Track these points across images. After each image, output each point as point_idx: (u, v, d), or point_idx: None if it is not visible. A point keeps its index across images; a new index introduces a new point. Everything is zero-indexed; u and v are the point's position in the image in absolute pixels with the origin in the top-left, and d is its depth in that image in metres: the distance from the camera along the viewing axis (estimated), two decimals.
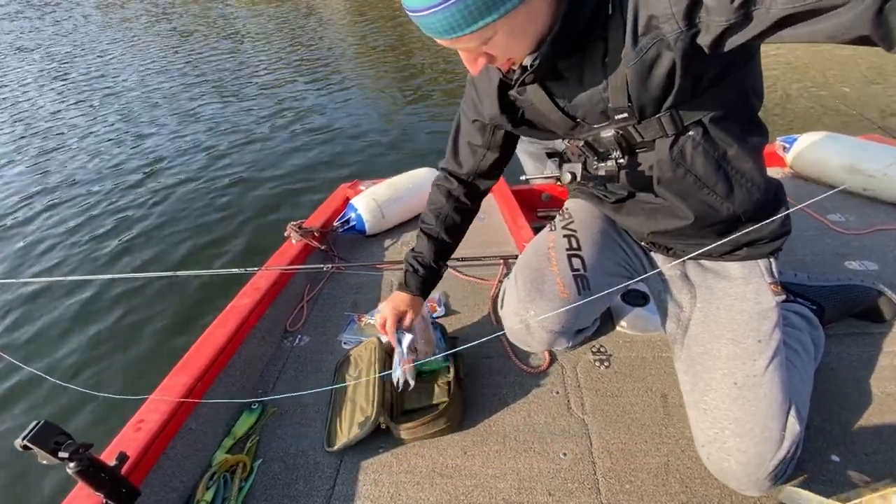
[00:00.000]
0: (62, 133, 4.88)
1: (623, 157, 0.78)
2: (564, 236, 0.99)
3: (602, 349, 1.19)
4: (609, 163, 0.80)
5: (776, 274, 0.88)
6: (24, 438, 0.65)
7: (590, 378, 1.12)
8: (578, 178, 0.85)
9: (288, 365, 1.28)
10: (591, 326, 1.03)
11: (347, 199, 1.84)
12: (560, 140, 0.91)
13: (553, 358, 1.18)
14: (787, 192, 1.51)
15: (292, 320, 1.42)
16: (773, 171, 1.82)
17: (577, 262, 0.94)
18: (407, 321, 1.04)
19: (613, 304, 1.24)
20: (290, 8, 10.86)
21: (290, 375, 1.25)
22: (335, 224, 1.71)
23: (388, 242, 1.75)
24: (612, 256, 0.99)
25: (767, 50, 4.55)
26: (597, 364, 1.15)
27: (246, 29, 8.85)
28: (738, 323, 0.85)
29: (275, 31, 8.58)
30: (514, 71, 0.73)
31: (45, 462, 0.68)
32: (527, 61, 0.71)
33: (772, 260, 0.89)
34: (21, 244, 3.01)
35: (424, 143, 3.57)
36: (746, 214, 0.81)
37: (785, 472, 0.80)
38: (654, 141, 0.75)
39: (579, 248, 0.96)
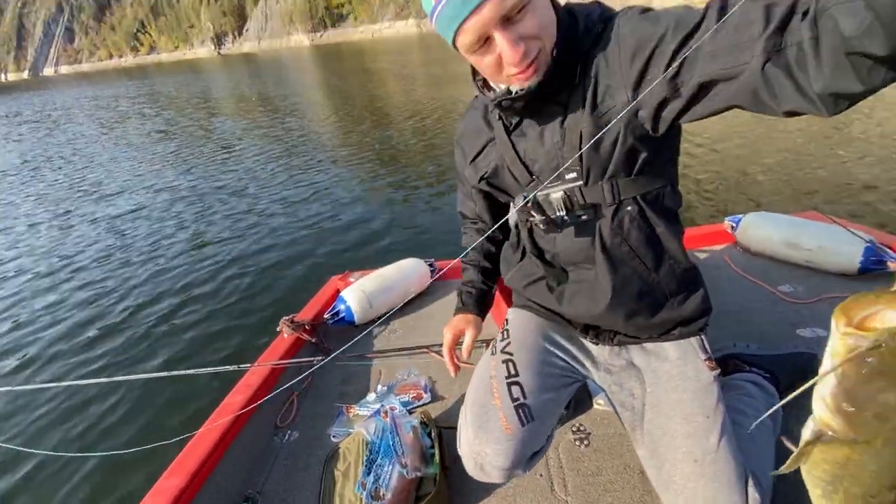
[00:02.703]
0: (71, 231, 5.04)
1: (567, 216, 0.89)
2: (503, 361, 1.01)
3: (581, 428, 1.25)
4: (556, 215, 0.89)
5: (708, 350, 0.96)
6: None
7: (571, 458, 1.17)
8: (529, 205, 0.91)
9: (278, 462, 1.31)
10: (547, 444, 1.04)
11: (338, 290, 1.95)
12: (513, 211, 1.03)
13: None
14: (738, 266, 1.67)
15: (282, 416, 1.46)
16: (723, 248, 2.00)
17: (516, 391, 0.96)
18: (468, 340, 1.09)
19: (589, 382, 1.32)
20: (279, 118, 11.68)
21: (279, 473, 1.27)
22: (325, 316, 1.80)
23: (376, 331, 1.83)
24: (551, 372, 1.02)
25: (724, 131, 5.04)
26: (577, 443, 1.21)
27: (238, 135, 9.45)
28: (685, 402, 0.91)
29: (265, 137, 9.17)
30: (515, 94, 0.79)
31: None
32: (518, 86, 0.79)
33: (702, 337, 0.97)
34: (8, 348, 3.02)
35: (411, 234, 3.78)
36: (670, 288, 0.91)
37: None
38: (596, 207, 0.87)
39: (517, 374, 0.99)
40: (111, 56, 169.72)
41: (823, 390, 0.42)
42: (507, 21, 0.70)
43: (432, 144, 6.59)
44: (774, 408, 0.50)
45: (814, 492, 0.49)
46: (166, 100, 18.88)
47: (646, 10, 0.77)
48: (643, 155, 0.81)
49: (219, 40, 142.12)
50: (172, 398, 2.25)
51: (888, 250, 1.60)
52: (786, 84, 0.55)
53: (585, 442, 1.21)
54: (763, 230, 1.89)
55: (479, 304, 1.16)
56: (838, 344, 0.40)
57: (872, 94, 0.51)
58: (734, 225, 1.99)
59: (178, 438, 1.22)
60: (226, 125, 10.86)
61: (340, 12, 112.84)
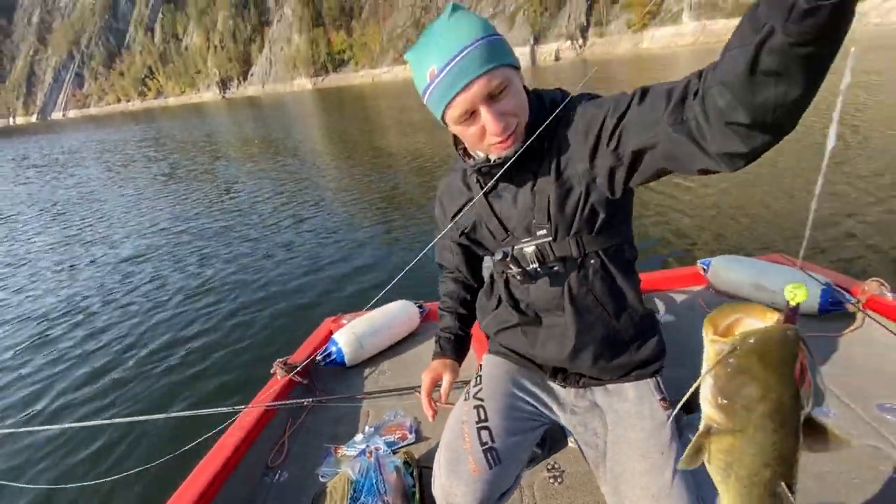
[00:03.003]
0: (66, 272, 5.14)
1: (540, 268, 1.01)
2: (475, 407, 1.10)
3: (556, 466, 1.32)
4: (530, 267, 1.01)
5: (663, 391, 1.06)
6: None
7: (545, 495, 1.24)
8: (509, 260, 1.02)
9: (268, 501, 1.36)
10: (515, 484, 1.12)
11: (331, 332, 2.03)
12: (489, 263, 1.15)
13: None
14: (710, 307, 1.79)
15: (273, 456, 1.52)
16: (697, 289, 2.11)
17: (485, 435, 1.03)
18: (445, 384, 1.14)
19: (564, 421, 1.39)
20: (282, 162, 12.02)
21: None
22: (318, 358, 1.88)
23: (367, 372, 1.91)
24: (519, 416, 1.10)
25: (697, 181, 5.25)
26: (551, 481, 1.27)
27: (241, 178, 9.72)
28: (642, 440, 0.99)
29: (266, 180, 9.44)
30: (494, 161, 0.93)
31: None
32: (496, 154, 0.92)
33: (658, 378, 1.07)
34: (6, 389, 3.06)
35: (403, 277, 3.91)
36: (629, 333, 1.02)
37: None
38: (565, 260, 0.99)
39: (486, 419, 1.06)
40: (119, 100, 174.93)
41: (705, 390, 0.53)
42: (491, 98, 0.85)
43: (426, 188, 6.80)
44: (675, 409, 0.60)
45: (716, 479, 0.59)
46: (171, 143, 19.45)
47: (594, 97, 0.95)
48: (602, 215, 0.95)
49: (224, 84, 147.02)
50: (169, 438, 2.29)
51: (844, 292, 1.72)
52: (692, 149, 0.69)
53: (559, 479, 1.28)
54: (732, 273, 2.01)
55: (456, 349, 1.24)
56: (709, 350, 0.51)
57: (761, 153, 0.64)
58: (705, 268, 2.11)
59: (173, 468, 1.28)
60: (228, 169, 11.18)
61: (342, 58, 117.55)
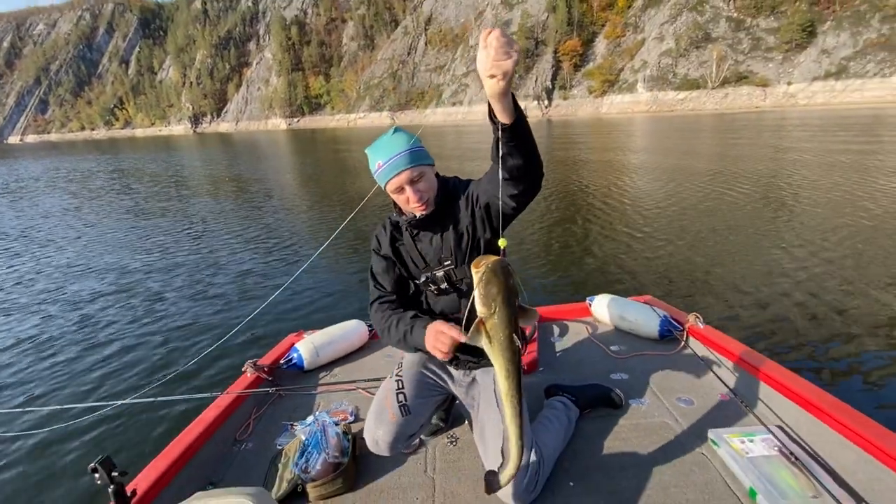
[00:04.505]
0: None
1: (449, 286, 1.56)
2: (396, 380, 1.67)
3: (453, 435, 1.83)
4: (443, 286, 1.56)
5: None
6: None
7: (442, 453, 1.74)
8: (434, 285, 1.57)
9: (236, 461, 1.80)
10: (419, 431, 1.64)
11: (293, 343, 2.51)
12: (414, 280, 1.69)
13: (422, 443, 1.80)
14: (590, 332, 2.43)
15: (241, 432, 1.96)
16: (585, 319, 2.73)
17: (401, 398, 1.59)
18: (453, 331, 1.35)
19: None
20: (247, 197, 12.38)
21: (237, 468, 1.76)
22: (281, 362, 2.35)
23: (321, 375, 2.38)
24: (425, 386, 1.67)
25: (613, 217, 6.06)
26: (449, 444, 1.78)
27: (211, 213, 10.04)
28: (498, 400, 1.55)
29: (233, 214, 9.80)
30: (416, 218, 1.51)
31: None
32: (418, 214, 1.50)
33: None
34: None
35: (357, 300, 4.45)
36: None
37: (535, 488, 1.43)
38: (463, 280, 1.55)
39: (403, 389, 1.62)
40: (83, 128, 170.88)
41: (476, 298, 1.08)
42: (412, 182, 1.45)
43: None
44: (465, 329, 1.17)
45: (486, 348, 1.11)
46: (137, 176, 19.45)
47: (472, 181, 1.56)
48: (483, 250, 1.54)
49: (196, 119, 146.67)
50: (161, 416, 2.76)
51: (674, 322, 2.36)
52: (504, 197, 1.27)
53: (455, 443, 1.79)
54: (607, 308, 2.64)
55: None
56: (474, 276, 1.07)
57: (531, 193, 1.26)
58: (591, 303, 2.75)
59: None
60: (196, 203, 11.46)
61: (319, 101, 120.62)
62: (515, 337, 1.09)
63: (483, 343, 1.12)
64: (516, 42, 0.94)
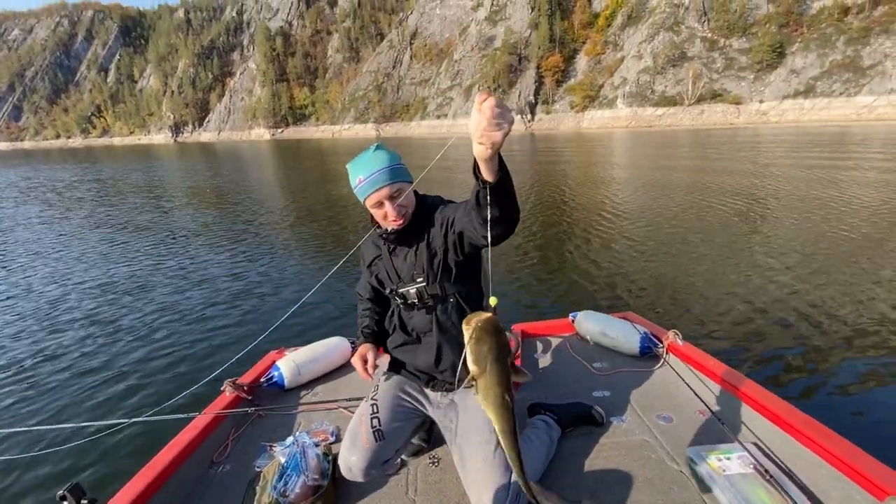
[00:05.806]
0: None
1: (419, 303, 1.57)
2: (371, 405, 1.65)
3: (435, 455, 1.82)
4: (414, 301, 1.57)
5: None
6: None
7: (424, 474, 1.73)
8: (407, 301, 1.60)
9: (213, 485, 1.75)
10: (395, 456, 1.62)
11: (274, 361, 2.46)
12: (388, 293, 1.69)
13: (403, 464, 1.78)
14: (573, 349, 2.45)
15: (218, 453, 1.91)
16: (568, 335, 2.75)
17: (375, 422, 1.57)
18: (371, 357, 1.58)
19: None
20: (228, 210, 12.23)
21: (213, 492, 1.72)
22: (262, 380, 2.30)
23: (302, 394, 2.34)
24: (401, 410, 1.65)
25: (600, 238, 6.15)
26: (431, 465, 1.77)
27: (191, 226, 9.87)
28: (480, 425, 1.51)
29: (215, 228, 9.65)
30: (391, 232, 1.53)
31: None
32: (391, 228, 1.52)
33: None
34: None
35: (341, 315, 4.39)
36: None
37: None
38: (434, 297, 1.55)
39: (377, 413, 1.60)
40: (58, 136, 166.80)
41: (467, 356, 1.08)
42: (391, 198, 1.48)
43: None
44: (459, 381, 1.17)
45: (482, 403, 1.11)
46: (113, 187, 19.05)
47: (450, 202, 1.58)
48: (454, 270, 1.56)
49: (177, 128, 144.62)
50: (135, 438, 2.68)
51: (654, 339, 2.40)
52: (478, 234, 1.28)
53: (437, 464, 1.77)
54: (589, 324, 2.67)
55: (375, 339, 1.74)
56: (465, 334, 1.07)
57: (503, 236, 1.25)
58: (573, 319, 2.77)
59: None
60: (176, 215, 11.26)
61: (303, 112, 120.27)
62: (508, 398, 1.08)
63: (479, 399, 1.11)
64: (510, 111, 0.93)
